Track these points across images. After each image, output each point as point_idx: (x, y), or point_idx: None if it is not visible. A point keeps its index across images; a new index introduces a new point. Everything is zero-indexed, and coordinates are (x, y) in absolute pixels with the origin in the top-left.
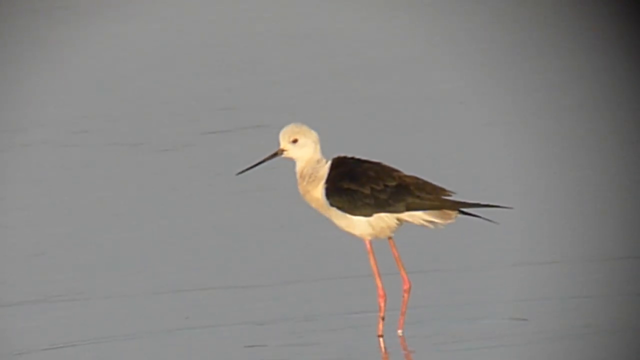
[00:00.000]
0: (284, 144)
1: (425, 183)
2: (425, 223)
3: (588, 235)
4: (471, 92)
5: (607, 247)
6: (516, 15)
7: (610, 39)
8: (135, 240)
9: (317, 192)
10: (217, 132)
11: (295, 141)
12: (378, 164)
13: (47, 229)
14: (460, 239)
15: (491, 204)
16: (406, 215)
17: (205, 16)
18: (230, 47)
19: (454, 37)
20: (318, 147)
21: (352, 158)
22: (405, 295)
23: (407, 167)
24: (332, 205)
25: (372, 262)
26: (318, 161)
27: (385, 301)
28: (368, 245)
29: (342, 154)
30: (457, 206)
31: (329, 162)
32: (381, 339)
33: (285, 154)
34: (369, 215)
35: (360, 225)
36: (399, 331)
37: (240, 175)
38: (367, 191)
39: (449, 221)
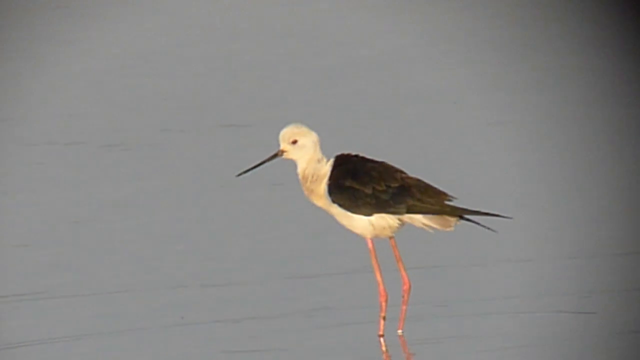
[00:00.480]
0: (284, 145)
1: (428, 186)
2: (425, 227)
3: (589, 232)
4: (466, 92)
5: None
6: (515, 13)
7: (610, 38)
8: (122, 236)
9: (320, 190)
10: (208, 129)
11: (294, 142)
12: (381, 164)
13: (29, 224)
14: (460, 237)
15: (491, 212)
16: (407, 217)
17: (194, 16)
18: (220, 45)
19: (451, 36)
20: (318, 147)
21: (356, 156)
22: (405, 295)
23: (403, 167)
24: (333, 202)
25: (373, 261)
26: (319, 161)
27: (386, 301)
28: (370, 245)
29: (346, 152)
30: (457, 212)
31: (332, 160)
32: (382, 339)
33: (285, 155)
34: (370, 214)
35: (361, 223)
36: (399, 331)
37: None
38: (368, 191)
39: (448, 229)
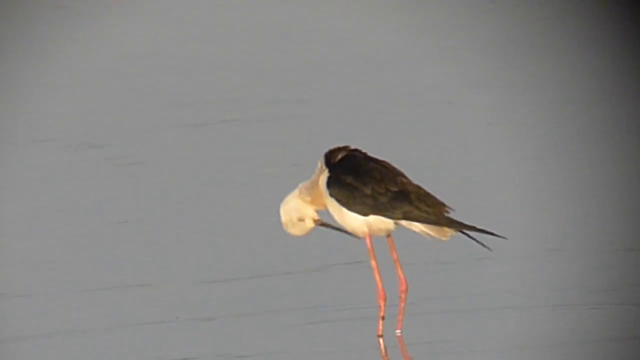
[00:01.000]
0: (310, 221)
1: (427, 195)
2: (421, 233)
3: (589, 231)
4: (465, 91)
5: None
6: (512, 12)
7: (610, 37)
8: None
9: (321, 180)
10: (208, 127)
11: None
12: (385, 166)
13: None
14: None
15: (487, 229)
16: (403, 222)
17: (194, 16)
18: (219, 44)
19: (451, 35)
20: (297, 201)
21: (362, 153)
22: (403, 296)
23: (403, 167)
24: (331, 195)
25: (372, 261)
26: (309, 189)
27: (385, 301)
28: (369, 244)
29: (353, 147)
30: (453, 225)
31: (322, 158)
32: (381, 339)
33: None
34: (366, 214)
35: (355, 221)
36: (398, 331)
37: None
38: (368, 191)
39: (443, 238)
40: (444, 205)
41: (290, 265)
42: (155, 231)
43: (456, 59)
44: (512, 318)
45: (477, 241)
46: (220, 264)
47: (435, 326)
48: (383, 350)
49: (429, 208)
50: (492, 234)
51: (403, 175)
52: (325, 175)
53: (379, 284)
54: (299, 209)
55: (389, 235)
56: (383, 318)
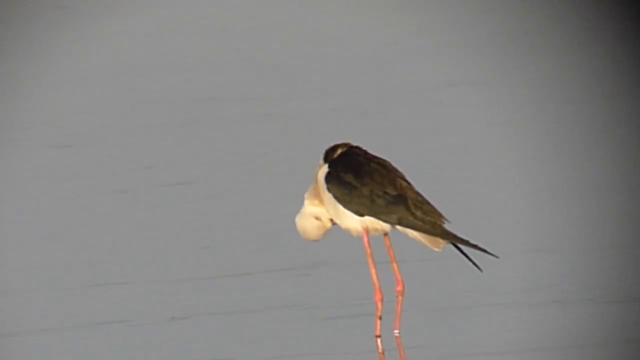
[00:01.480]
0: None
1: (425, 203)
2: (415, 239)
3: (588, 231)
4: (465, 91)
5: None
6: (515, 12)
7: (611, 37)
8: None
9: (320, 175)
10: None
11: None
12: (386, 166)
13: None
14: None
15: (480, 246)
16: (398, 227)
17: (193, 16)
18: (218, 42)
19: (451, 34)
20: (308, 206)
21: (362, 150)
22: (399, 296)
23: (402, 167)
24: (329, 190)
25: (369, 260)
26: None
27: (382, 301)
28: (366, 244)
29: (356, 144)
30: (447, 237)
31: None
32: (379, 339)
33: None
34: (361, 215)
35: (350, 220)
36: (396, 331)
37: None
38: (366, 192)
39: (435, 249)
40: (440, 215)
41: (288, 262)
42: (153, 230)
43: (456, 59)
44: (512, 316)
45: (470, 259)
46: (215, 262)
47: (434, 325)
48: (381, 351)
49: (425, 216)
50: (484, 251)
51: (403, 179)
52: (324, 170)
53: (376, 284)
54: (313, 212)
55: (386, 234)
56: (380, 318)
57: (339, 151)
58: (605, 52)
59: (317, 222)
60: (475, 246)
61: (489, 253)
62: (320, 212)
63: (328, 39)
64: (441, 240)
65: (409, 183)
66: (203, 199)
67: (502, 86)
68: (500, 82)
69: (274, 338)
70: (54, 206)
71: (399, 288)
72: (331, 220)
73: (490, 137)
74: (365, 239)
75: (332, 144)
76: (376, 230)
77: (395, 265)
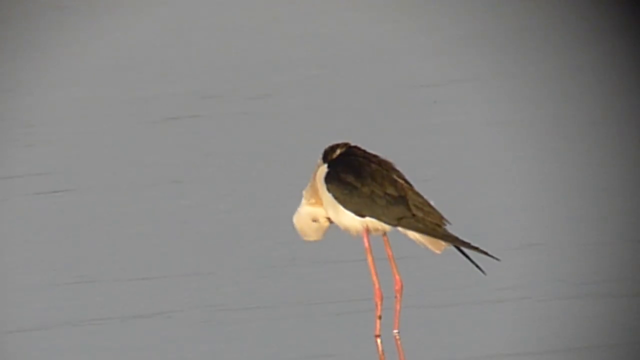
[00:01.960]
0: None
1: (425, 204)
2: (415, 240)
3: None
4: (465, 90)
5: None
6: (513, 12)
7: (611, 36)
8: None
9: (319, 174)
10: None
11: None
12: (387, 167)
13: None
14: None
15: (481, 248)
16: (398, 227)
17: (193, 17)
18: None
19: (450, 34)
20: (305, 207)
21: (361, 150)
22: (398, 295)
23: (401, 167)
24: (328, 190)
25: (369, 260)
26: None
27: (382, 300)
28: (366, 243)
29: (355, 144)
30: (447, 239)
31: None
32: (378, 339)
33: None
34: (361, 215)
35: (349, 220)
36: (395, 331)
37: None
38: (366, 192)
39: (436, 251)
40: (441, 217)
41: (284, 261)
42: (153, 227)
43: (456, 58)
44: (511, 312)
45: (472, 261)
46: (212, 258)
47: (432, 322)
48: (380, 351)
49: (425, 218)
50: (486, 253)
51: (404, 179)
52: (323, 170)
53: (376, 284)
54: (310, 213)
55: (384, 234)
56: (380, 317)
57: (338, 151)
58: (606, 50)
59: (315, 225)
60: (476, 248)
61: (490, 256)
62: (317, 212)
63: (328, 38)
64: (442, 243)
65: (409, 183)
66: (202, 195)
67: (502, 86)
68: (501, 82)
69: (272, 337)
70: (53, 206)
71: (398, 287)
72: (328, 219)
73: (490, 136)
74: (366, 239)
75: (330, 144)
76: (376, 230)
77: (393, 265)
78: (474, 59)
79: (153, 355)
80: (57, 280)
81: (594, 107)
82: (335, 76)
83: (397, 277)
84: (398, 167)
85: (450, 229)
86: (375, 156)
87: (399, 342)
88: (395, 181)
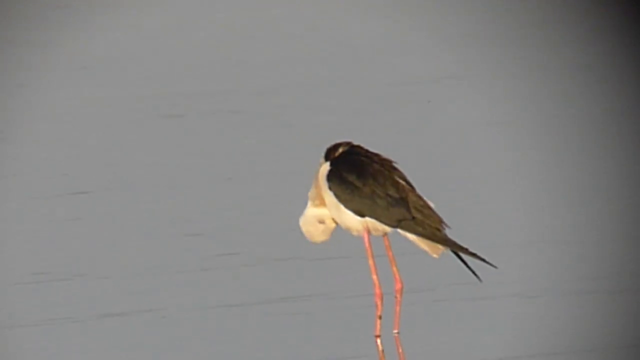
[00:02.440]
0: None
1: (426, 207)
2: (414, 242)
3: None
4: (464, 90)
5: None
6: (514, 12)
7: (611, 36)
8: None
9: (321, 173)
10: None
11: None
12: (389, 167)
13: None
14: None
15: (479, 255)
16: (398, 229)
17: (193, 16)
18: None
19: (450, 33)
20: (310, 209)
21: (365, 150)
22: (398, 295)
23: (401, 166)
24: (330, 189)
25: (370, 260)
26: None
27: (382, 300)
28: (367, 243)
29: (357, 143)
30: (446, 244)
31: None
32: (378, 339)
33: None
34: (362, 215)
35: (350, 220)
36: (395, 331)
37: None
38: (367, 192)
39: (434, 254)
40: (441, 220)
41: (284, 258)
42: (151, 226)
43: (456, 58)
44: (511, 309)
45: (468, 267)
46: (208, 255)
47: (432, 321)
48: (380, 351)
49: (425, 221)
50: (483, 260)
51: (406, 180)
52: (325, 168)
53: (376, 283)
54: (316, 215)
55: (385, 234)
56: (380, 317)
57: (341, 150)
58: (606, 50)
59: (321, 227)
60: (474, 255)
61: (487, 263)
62: (323, 214)
63: (327, 38)
64: (440, 247)
65: (410, 185)
66: (202, 192)
67: (502, 85)
68: (500, 81)
69: (271, 333)
70: (53, 206)
71: (398, 287)
72: (334, 219)
73: (490, 136)
74: (366, 239)
75: (333, 143)
76: (377, 230)
77: (394, 265)
78: (474, 59)
79: (152, 355)
80: (49, 278)
81: (594, 107)
82: (335, 76)
83: (398, 277)
84: (399, 167)
85: (449, 231)
86: (377, 155)
87: (399, 342)
88: (397, 182)
